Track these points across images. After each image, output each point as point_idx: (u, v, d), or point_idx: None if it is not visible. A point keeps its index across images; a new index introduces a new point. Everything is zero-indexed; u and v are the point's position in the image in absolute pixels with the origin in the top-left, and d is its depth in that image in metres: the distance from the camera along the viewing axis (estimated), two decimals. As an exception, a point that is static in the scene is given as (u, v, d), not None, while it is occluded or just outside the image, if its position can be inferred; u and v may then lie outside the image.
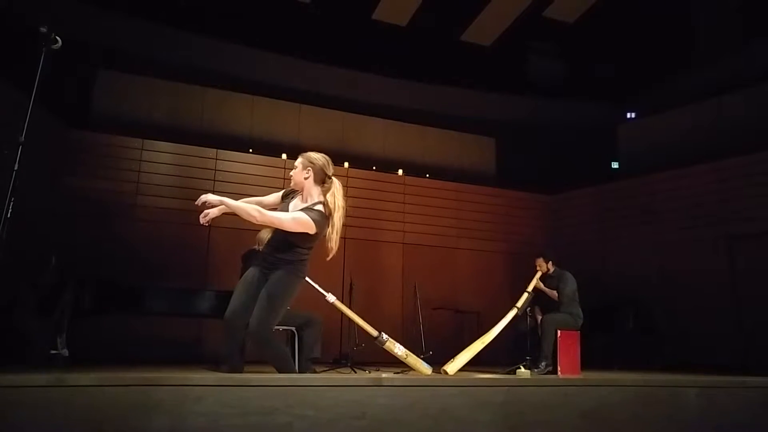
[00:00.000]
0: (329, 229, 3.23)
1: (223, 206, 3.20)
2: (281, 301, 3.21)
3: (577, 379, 3.82)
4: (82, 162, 7.30)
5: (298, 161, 3.34)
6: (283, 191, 3.53)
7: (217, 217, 3.31)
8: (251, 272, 3.33)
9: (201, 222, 3.29)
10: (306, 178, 3.30)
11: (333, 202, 3.26)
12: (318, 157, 3.34)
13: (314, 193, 3.31)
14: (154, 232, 7.38)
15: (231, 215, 3.28)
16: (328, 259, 3.26)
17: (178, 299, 5.82)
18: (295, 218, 3.14)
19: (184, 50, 9.41)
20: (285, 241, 3.21)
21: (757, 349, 7.05)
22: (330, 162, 3.38)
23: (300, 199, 3.34)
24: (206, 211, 3.28)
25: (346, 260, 7.73)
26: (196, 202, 3.18)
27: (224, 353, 3.65)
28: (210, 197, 3.14)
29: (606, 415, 2.72)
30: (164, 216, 7.52)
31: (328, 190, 3.30)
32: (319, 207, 3.23)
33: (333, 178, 3.35)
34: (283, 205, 3.38)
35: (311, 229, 3.14)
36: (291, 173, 3.37)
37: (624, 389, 2.82)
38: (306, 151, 3.39)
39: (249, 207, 3.11)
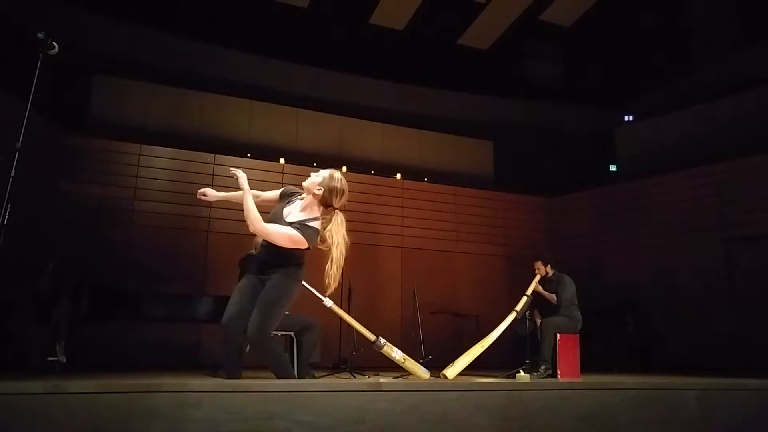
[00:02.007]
0: (328, 264, 3.14)
1: (221, 194, 3.40)
2: (280, 305, 3.19)
3: (576, 383, 3.82)
4: (79, 168, 7.29)
5: (323, 173, 3.24)
6: (282, 189, 3.47)
7: (212, 201, 3.47)
8: (247, 278, 3.31)
9: (197, 195, 3.43)
10: (315, 193, 3.22)
11: (331, 236, 3.16)
12: (338, 181, 3.23)
13: (314, 209, 3.25)
14: (153, 238, 7.37)
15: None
16: (327, 294, 3.22)
17: (176, 305, 5.80)
18: (289, 236, 3.10)
19: (182, 55, 9.41)
20: (279, 246, 3.20)
21: (757, 351, 7.06)
22: (342, 195, 3.25)
23: (299, 207, 3.28)
24: (206, 190, 3.42)
25: (345, 265, 7.71)
26: (230, 170, 3.32)
27: (222, 359, 3.64)
28: (241, 178, 3.23)
29: (606, 418, 2.71)
30: (162, 221, 7.52)
31: (329, 222, 3.20)
32: (315, 224, 3.19)
33: (337, 211, 3.24)
34: (279, 206, 3.34)
35: (303, 245, 3.13)
36: (312, 173, 3.28)
37: (624, 392, 2.82)
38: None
39: (253, 213, 3.10)
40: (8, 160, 2.83)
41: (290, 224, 3.17)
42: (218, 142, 8.55)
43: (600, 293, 7.97)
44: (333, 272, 3.14)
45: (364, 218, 8.43)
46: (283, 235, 3.11)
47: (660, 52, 10.33)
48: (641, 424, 2.77)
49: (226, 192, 3.55)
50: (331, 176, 3.23)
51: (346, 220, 3.28)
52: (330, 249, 3.16)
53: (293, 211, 3.27)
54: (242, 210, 3.12)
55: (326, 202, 3.23)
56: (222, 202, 3.46)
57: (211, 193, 3.42)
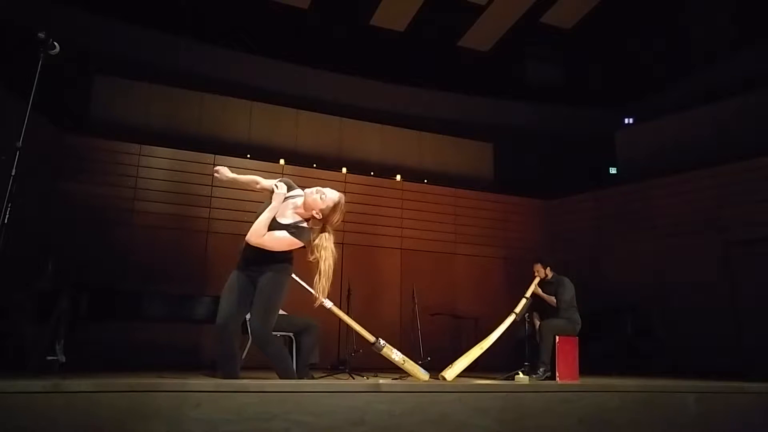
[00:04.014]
0: (316, 277, 3.20)
1: (232, 175, 3.43)
2: (277, 300, 3.28)
3: (575, 385, 3.82)
4: (79, 168, 7.29)
5: (328, 201, 3.25)
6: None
7: (221, 179, 3.49)
8: (237, 277, 3.34)
9: (212, 171, 3.53)
10: (314, 215, 3.27)
11: (319, 250, 3.20)
12: (338, 212, 3.28)
13: (306, 217, 3.33)
14: (152, 238, 7.37)
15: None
16: (315, 306, 3.25)
17: (176, 305, 5.81)
18: (287, 242, 3.20)
19: (182, 55, 9.40)
20: None
21: (756, 354, 7.05)
22: (336, 222, 3.32)
23: (293, 208, 3.32)
24: (219, 168, 3.47)
25: (344, 266, 7.72)
26: (276, 183, 3.35)
27: (218, 360, 3.65)
28: (279, 195, 3.27)
29: (604, 421, 2.71)
30: (162, 222, 7.52)
31: (317, 235, 3.26)
32: (304, 224, 3.29)
33: (322, 234, 3.27)
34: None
35: (298, 246, 3.23)
36: (318, 189, 3.29)
37: (622, 395, 2.82)
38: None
39: (262, 227, 3.17)
40: (8, 159, 2.83)
41: (284, 226, 3.23)
42: (218, 143, 8.55)
43: (599, 296, 7.97)
44: (321, 285, 3.20)
45: (363, 219, 8.44)
46: (279, 241, 3.19)
47: (660, 55, 10.34)
48: (640, 426, 2.78)
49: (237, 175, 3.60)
50: (334, 208, 3.27)
51: (345, 221, 3.32)
52: (318, 262, 3.19)
53: (285, 212, 3.31)
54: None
55: (317, 223, 3.33)
56: (228, 185, 3.47)
57: (223, 172, 3.46)
